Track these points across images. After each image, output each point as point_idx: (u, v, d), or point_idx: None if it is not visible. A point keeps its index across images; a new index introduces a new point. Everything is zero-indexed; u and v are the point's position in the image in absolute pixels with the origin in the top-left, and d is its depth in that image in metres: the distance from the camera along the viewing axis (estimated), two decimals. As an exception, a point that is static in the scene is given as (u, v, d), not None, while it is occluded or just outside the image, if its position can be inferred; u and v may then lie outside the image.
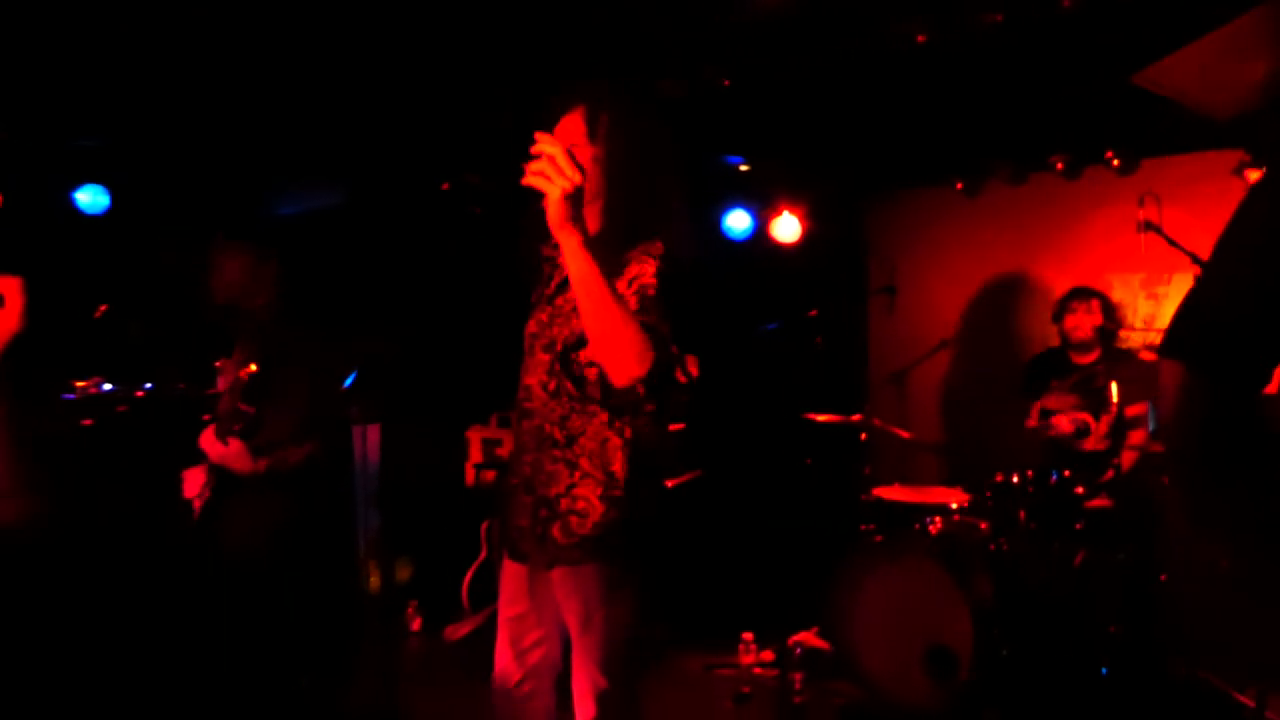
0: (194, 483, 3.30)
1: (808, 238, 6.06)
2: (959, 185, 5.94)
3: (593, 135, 2.27)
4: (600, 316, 2.09)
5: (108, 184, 5.20)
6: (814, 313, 5.20)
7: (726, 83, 4.55)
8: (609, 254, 2.18)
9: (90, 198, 5.17)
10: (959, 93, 4.72)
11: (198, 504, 3.29)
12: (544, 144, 2.08)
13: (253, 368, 3.17)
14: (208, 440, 3.27)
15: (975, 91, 4.71)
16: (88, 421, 4.07)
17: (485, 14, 3.90)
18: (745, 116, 5.08)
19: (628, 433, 2.28)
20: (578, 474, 2.27)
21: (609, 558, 2.25)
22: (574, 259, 2.09)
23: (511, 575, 2.43)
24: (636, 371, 2.10)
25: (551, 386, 2.31)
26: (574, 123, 2.29)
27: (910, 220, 6.41)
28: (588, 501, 2.26)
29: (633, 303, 2.15)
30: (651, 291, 2.17)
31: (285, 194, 5.72)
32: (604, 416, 2.27)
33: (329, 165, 5.41)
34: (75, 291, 3.72)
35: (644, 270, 2.19)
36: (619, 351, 2.10)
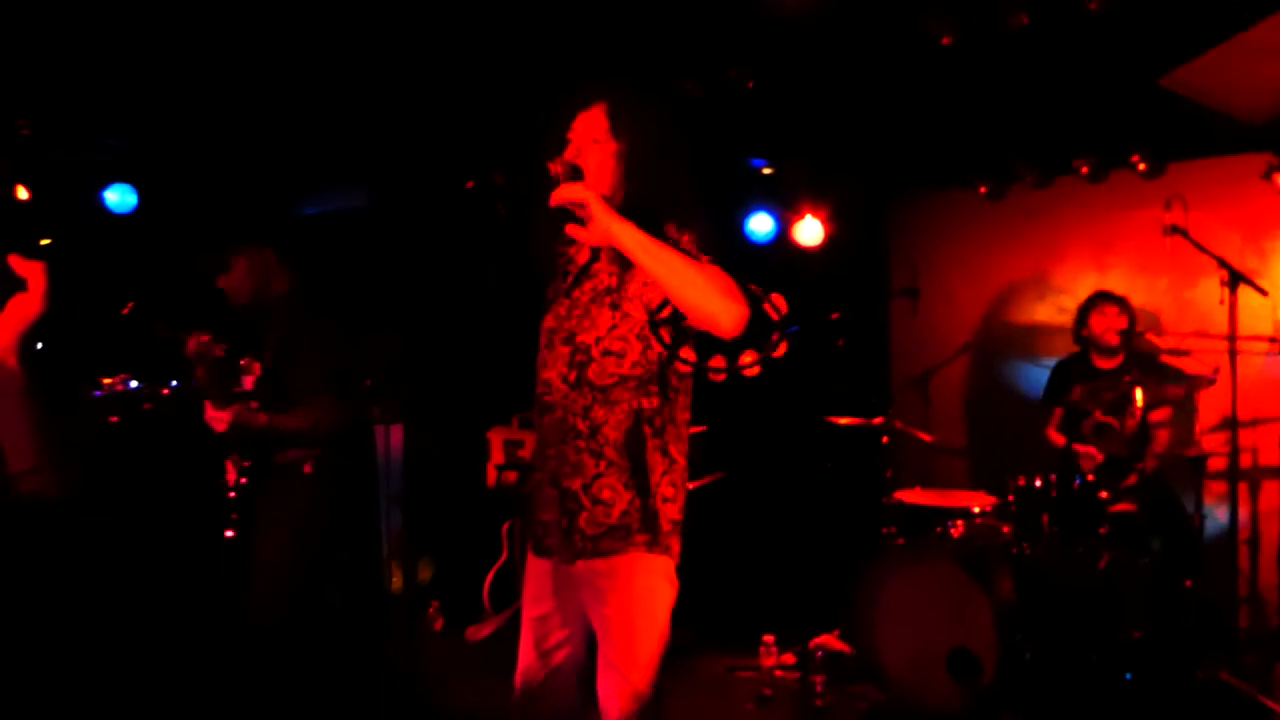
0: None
1: (830, 240, 6.04)
2: (983, 188, 5.91)
3: (614, 131, 2.30)
4: (683, 276, 2.13)
5: (136, 183, 5.26)
6: (836, 315, 5.18)
7: (750, 85, 4.55)
8: None
9: (119, 197, 5.24)
10: (983, 95, 4.70)
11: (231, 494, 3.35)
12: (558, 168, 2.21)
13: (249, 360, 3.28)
14: (210, 415, 3.38)
15: (1000, 94, 4.69)
16: (115, 419, 4.11)
17: (510, 13, 3.92)
18: (768, 119, 5.07)
19: (658, 421, 2.28)
20: (603, 464, 2.27)
21: (635, 548, 2.25)
22: (635, 241, 2.14)
23: (536, 574, 2.43)
24: (739, 309, 2.13)
25: (572, 378, 2.31)
26: (596, 118, 2.32)
27: (933, 223, 6.38)
28: (614, 490, 2.26)
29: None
30: (690, 246, 2.21)
31: (309, 194, 5.76)
32: (628, 406, 2.27)
33: (353, 165, 5.44)
34: (103, 289, 3.76)
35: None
36: (714, 297, 2.13)
